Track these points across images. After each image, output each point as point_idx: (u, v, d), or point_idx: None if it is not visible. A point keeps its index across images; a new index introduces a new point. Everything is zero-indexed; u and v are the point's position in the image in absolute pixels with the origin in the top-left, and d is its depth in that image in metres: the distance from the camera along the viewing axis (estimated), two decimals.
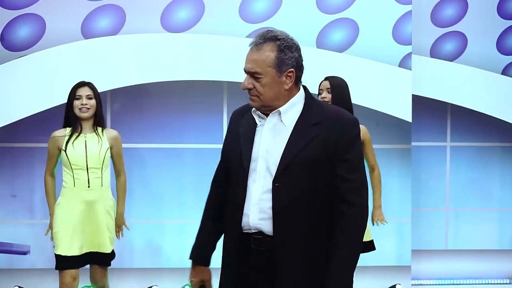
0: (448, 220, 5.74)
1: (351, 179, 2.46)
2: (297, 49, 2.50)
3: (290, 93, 2.51)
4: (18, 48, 5.12)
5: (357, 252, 2.52)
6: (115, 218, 4.31)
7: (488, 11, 5.63)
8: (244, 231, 2.54)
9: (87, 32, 5.15)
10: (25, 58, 5.11)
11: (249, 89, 2.49)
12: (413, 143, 5.43)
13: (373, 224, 4.55)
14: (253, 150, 2.52)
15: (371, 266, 5.11)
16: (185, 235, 5.33)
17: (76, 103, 4.19)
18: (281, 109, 2.50)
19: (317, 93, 4.43)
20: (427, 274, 5.68)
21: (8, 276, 5.19)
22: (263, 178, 2.50)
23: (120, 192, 4.39)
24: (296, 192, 2.46)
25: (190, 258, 2.76)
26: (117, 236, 4.35)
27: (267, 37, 2.47)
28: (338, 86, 4.40)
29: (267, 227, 2.50)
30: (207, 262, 2.74)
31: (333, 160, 2.46)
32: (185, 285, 5.28)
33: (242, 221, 2.53)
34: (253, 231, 2.52)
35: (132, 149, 5.18)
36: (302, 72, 2.54)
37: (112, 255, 4.31)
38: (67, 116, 4.24)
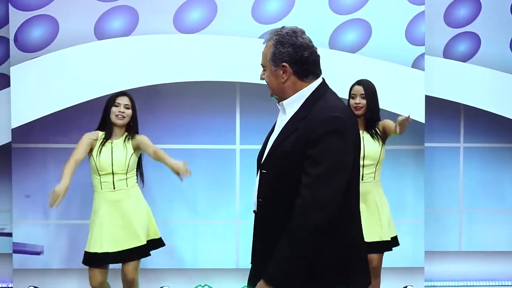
0: (462, 221, 5.72)
1: (308, 173, 2.48)
2: (293, 45, 2.59)
3: (295, 87, 2.63)
4: (31, 49, 5.15)
5: (294, 246, 2.48)
6: (175, 167, 4.37)
7: (501, 11, 5.60)
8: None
9: (100, 33, 5.18)
10: (39, 59, 5.14)
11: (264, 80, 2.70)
12: (426, 144, 5.42)
13: (398, 127, 4.38)
14: (267, 146, 2.71)
15: (384, 268, 5.09)
16: (197, 235, 5.35)
17: (114, 109, 4.42)
18: (284, 102, 2.65)
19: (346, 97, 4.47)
20: (440, 276, 5.66)
21: (23, 276, 5.22)
22: (261, 165, 2.70)
23: (161, 154, 4.44)
24: (273, 181, 2.59)
25: None
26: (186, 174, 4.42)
27: (271, 33, 2.65)
28: (371, 90, 4.44)
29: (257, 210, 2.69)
30: None
31: (303, 154, 2.50)
32: (198, 286, 5.29)
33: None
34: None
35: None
36: (302, 67, 2.61)
37: (144, 248, 4.45)
38: (103, 121, 4.47)
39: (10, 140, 5.24)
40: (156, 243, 4.60)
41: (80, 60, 5.15)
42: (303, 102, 2.61)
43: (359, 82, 4.51)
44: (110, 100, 4.46)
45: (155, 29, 5.19)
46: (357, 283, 2.65)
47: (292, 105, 2.63)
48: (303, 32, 2.66)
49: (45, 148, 5.24)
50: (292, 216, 2.48)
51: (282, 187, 2.56)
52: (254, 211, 2.74)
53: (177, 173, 4.37)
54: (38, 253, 5.26)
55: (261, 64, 2.69)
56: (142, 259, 4.53)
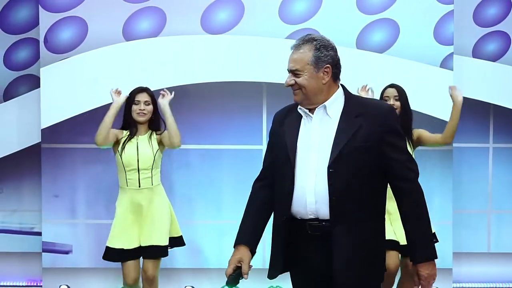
0: (490, 222, 5.66)
1: (399, 159, 2.74)
2: (333, 48, 2.78)
3: (330, 89, 2.78)
4: (61, 50, 5.21)
5: (428, 219, 2.86)
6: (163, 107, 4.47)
7: None
8: (299, 218, 2.77)
9: (128, 34, 5.22)
10: (68, 60, 5.20)
11: (292, 85, 2.76)
12: (455, 144, 5.36)
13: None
14: (298, 141, 2.78)
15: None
16: (223, 235, 5.35)
17: (134, 107, 4.43)
18: (326, 103, 2.77)
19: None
20: (468, 277, 5.61)
21: (52, 274, 5.28)
22: (316, 166, 2.73)
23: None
24: (349, 176, 2.70)
25: (235, 243, 2.93)
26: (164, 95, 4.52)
27: (305, 39, 2.77)
28: (404, 94, 4.47)
29: (323, 212, 2.71)
30: (247, 243, 2.91)
31: (380, 145, 2.72)
32: (223, 286, 5.30)
33: (293, 209, 2.77)
34: (309, 217, 2.74)
35: (171, 150, 5.21)
36: (339, 70, 2.81)
37: (165, 249, 4.44)
38: (125, 119, 4.48)
39: (40, 140, 5.30)
40: (176, 241, 4.59)
41: (108, 61, 5.19)
42: (345, 102, 2.79)
43: (391, 85, 4.51)
44: (130, 98, 4.46)
45: (182, 30, 5.22)
46: None
47: (333, 105, 2.78)
48: None
49: (74, 149, 5.29)
50: (403, 199, 2.79)
51: (361, 181, 2.72)
52: (285, 224, 2.81)
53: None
54: (66, 252, 5.32)
55: (293, 70, 2.75)
56: (165, 259, 4.52)
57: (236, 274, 2.84)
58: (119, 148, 4.41)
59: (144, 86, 4.53)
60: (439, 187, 5.35)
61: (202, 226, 5.37)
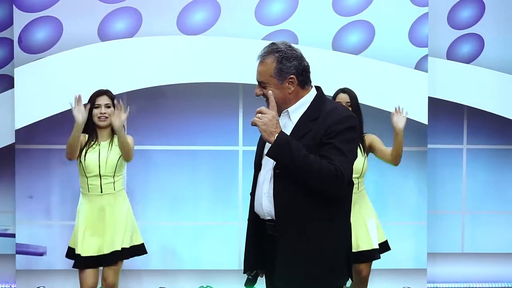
0: (464, 223, 5.71)
1: (333, 159, 2.71)
2: (297, 57, 2.81)
3: (297, 95, 2.84)
4: (35, 50, 5.16)
5: (315, 170, 2.68)
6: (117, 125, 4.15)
7: (505, 13, 5.60)
8: (261, 219, 2.89)
9: (103, 35, 5.19)
10: (43, 61, 5.16)
11: (262, 95, 2.84)
12: (429, 146, 5.42)
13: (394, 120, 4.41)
14: (265, 146, 2.84)
15: (387, 269, 5.10)
16: (200, 237, 5.35)
17: (95, 111, 4.25)
18: (289, 109, 2.84)
19: (329, 95, 4.44)
20: (443, 277, 5.66)
21: (26, 276, 5.23)
22: (270, 170, 2.81)
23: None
24: (292, 177, 2.72)
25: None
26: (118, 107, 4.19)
27: (268, 51, 2.81)
28: (355, 99, 4.43)
29: (274, 212, 2.80)
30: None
31: (322, 145, 2.73)
32: (200, 287, 5.29)
33: (256, 210, 2.90)
34: (267, 218, 2.84)
35: (148, 151, 5.20)
36: (306, 76, 2.84)
37: (124, 252, 4.29)
38: (86, 124, 4.25)
39: (13, 141, 5.25)
40: (137, 249, 4.40)
41: (83, 61, 5.16)
42: (308, 106, 2.83)
43: (343, 90, 4.45)
44: (90, 102, 4.26)
45: (158, 30, 5.20)
46: None
47: (297, 111, 2.83)
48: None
49: (48, 150, 5.25)
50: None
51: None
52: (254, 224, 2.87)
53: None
54: (41, 254, 5.27)
55: (260, 81, 2.82)
56: (141, 261, 4.41)
57: (254, 274, 2.97)
58: (81, 155, 4.24)
59: (105, 88, 4.32)
60: (414, 188, 5.39)
61: (178, 228, 5.36)
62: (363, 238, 4.41)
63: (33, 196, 5.28)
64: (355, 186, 4.38)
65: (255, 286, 3.00)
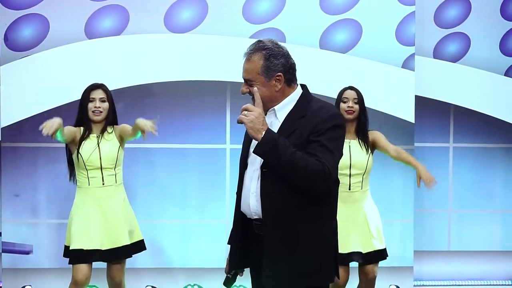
0: (451, 221, 5.74)
1: (320, 156, 2.68)
2: (284, 55, 2.80)
3: (283, 93, 2.82)
4: (21, 48, 5.13)
5: (303, 167, 2.66)
6: (142, 126, 4.10)
7: (491, 12, 5.63)
8: (248, 218, 2.87)
9: (90, 32, 5.17)
10: (29, 58, 5.13)
11: (248, 93, 2.81)
12: (416, 144, 5.43)
13: (419, 185, 4.44)
14: (251, 144, 2.83)
15: None
16: (187, 235, 5.35)
17: (90, 105, 4.27)
18: (275, 107, 2.83)
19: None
20: (429, 275, 5.68)
21: (12, 275, 5.20)
22: (258, 169, 2.80)
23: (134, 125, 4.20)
24: (278, 175, 2.71)
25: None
26: (154, 132, 4.14)
27: (255, 48, 2.80)
28: (362, 97, 4.46)
29: (260, 211, 2.79)
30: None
31: (308, 143, 2.72)
32: (187, 285, 5.29)
33: (243, 209, 2.89)
34: (254, 217, 2.83)
35: (136, 149, 5.18)
36: (292, 74, 2.84)
37: (130, 249, 4.34)
38: (79, 117, 4.30)
39: None
40: (137, 246, 4.44)
41: (70, 59, 5.14)
42: (295, 105, 2.82)
43: (351, 87, 4.49)
44: (84, 95, 4.28)
45: (145, 28, 5.19)
46: None
47: (283, 109, 2.82)
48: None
49: (35, 148, 5.22)
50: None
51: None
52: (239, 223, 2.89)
53: (143, 131, 4.12)
54: (27, 253, 5.24)
55: (247, 79, 2.80)
56: (135, 260, 4.44)
57: (233, 273, 2.98)
58: (79, 148, 4.25)
59: (113, 88, 4.36)
60: (401, 186, 5.41)
61: (166, 226, 5.35)
62: (367, 239, 4.40)
63: (19, 195, 5.25)
64: (358, 184, 4.40)
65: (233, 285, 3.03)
